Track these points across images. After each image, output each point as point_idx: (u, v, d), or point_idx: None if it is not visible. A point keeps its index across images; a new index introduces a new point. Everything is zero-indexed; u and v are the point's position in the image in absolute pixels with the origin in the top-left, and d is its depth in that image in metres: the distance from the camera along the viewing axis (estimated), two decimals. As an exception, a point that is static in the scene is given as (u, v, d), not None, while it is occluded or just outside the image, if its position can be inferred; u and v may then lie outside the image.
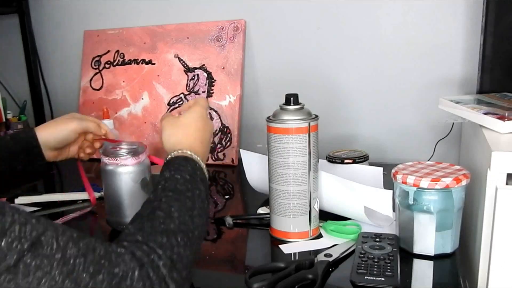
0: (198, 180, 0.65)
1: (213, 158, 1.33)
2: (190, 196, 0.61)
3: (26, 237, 0.44)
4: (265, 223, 0.88)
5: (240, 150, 1.03)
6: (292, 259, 0.77)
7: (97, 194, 1.08)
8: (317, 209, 0.84)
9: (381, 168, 0.95)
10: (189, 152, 0.69)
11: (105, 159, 0.86)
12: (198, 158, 0.69)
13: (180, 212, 0.58)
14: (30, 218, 0.46)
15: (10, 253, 0.43)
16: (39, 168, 0.92)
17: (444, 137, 1.19)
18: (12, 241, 0.43)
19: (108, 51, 1.47)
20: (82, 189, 1.11)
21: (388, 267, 0.68)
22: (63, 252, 0.46)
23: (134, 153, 0.85)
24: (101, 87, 1.48)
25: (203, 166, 0.69)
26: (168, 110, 1.38)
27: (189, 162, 0.67)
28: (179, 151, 0.69)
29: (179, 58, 1.38)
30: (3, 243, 0.43)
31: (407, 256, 0.75)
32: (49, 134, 0.90)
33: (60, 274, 0.45)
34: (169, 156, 0.69)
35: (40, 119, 1.60)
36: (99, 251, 0.48)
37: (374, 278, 0.66)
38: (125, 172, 0.85)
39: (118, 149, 0.87)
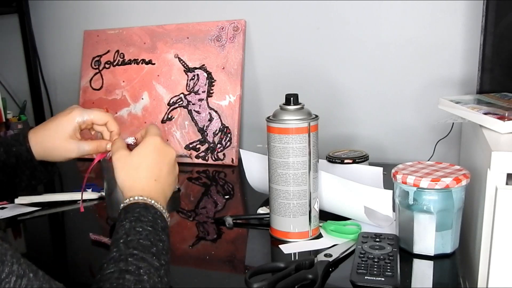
0: (159, 230, 0.62)
1: (213, 158, 1.33)
2: (155, 252, 0.59)
3: None
4: (265, 223, 0.88)
5: (240, 150, 1.03)
6: (292, 259, 0.77)
7: (97, 194, 1.08)
8: (317, 209, 0.84)
9: (381, 168, 0.95)
10: (147, 200, 0.65)
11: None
12: (158, 205, 0.65)
13: (149, 275, 0.55)
14: (28, 272, 0.45)
15: None
16: (44, 177, 0.80)
17: (444, 137, 1.19)
18: None
19: (108, 51, 1.47)
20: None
21: (388, 267, 0.68)
22: None
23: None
24: (101, 87, 1.48)
25: (163, 211, 0.66)
26: (168, 110, 1.38)
27: (149, 210, 0.63)
28: (137, 198, 0.65)
29: (179, 58, 1.38)
30: None
31: (407, 256, 0.75)
32: (42, 152, 0.76)
33: None
34: (126, 201, 0.65)
35: (40, 119, 1.60)
36: None
37: (374, 278, 0.66)
38: None
39: None
